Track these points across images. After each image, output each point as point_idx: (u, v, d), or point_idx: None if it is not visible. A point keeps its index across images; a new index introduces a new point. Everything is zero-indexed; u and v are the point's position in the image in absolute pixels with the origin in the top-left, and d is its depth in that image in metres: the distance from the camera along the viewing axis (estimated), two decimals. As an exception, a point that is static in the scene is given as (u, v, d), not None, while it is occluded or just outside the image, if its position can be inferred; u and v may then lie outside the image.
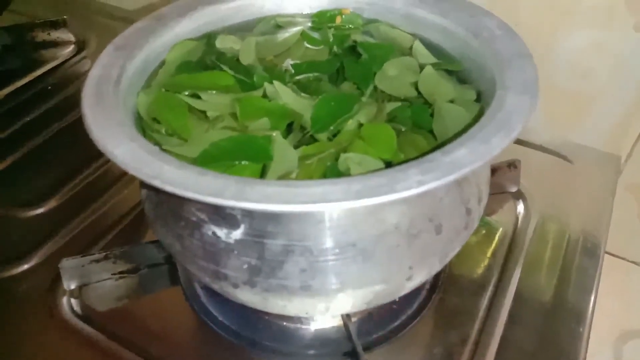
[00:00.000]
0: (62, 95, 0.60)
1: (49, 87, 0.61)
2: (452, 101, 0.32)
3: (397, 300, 0.40)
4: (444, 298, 0.40)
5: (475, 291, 0.41)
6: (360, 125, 0.30)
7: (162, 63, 0.35)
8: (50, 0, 0.72)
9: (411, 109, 0.32)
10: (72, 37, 0.66)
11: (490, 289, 0.41)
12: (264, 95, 0.32)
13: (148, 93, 0.32)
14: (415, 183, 0.22)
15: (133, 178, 0.50)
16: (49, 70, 0.62)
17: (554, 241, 0.45)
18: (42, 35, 0.65)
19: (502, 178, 0.46)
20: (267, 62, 0.36)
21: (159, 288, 0.41)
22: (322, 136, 0.30)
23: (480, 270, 0.43)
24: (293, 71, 0.35)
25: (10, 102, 0.58)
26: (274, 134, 0.29)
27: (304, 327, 0.38)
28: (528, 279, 0.41)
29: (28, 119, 0.57)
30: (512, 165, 0.46)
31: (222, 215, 0.26)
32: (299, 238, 0.26)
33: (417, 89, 0.33)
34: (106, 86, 0.29)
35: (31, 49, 0.65)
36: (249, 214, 0.25)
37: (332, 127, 0.30)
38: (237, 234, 0.26)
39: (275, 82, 0.32)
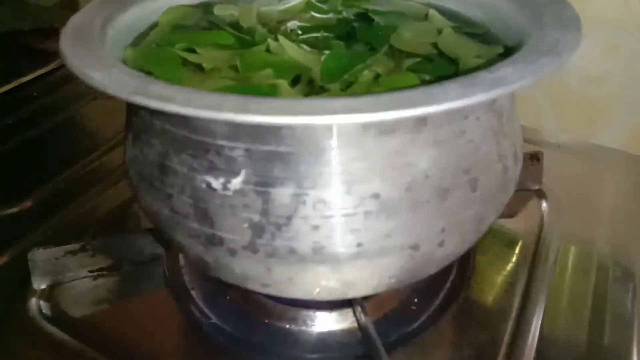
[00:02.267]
0: (44, 103, 0.57)
1: (34, 94, 0.58)
2: (478, 57, 0.28)
3: (415, 300, 0.35)
4: (461, 311, 0.35)
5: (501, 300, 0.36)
6: (378, 76, 0.26)
7: (154, 25, 0.32)
8: (41, 10, 0.70)
9: (433, 64, 0.28)
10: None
11: (517, 302, 0.36)
12: (267, 51, 0.29)
13: (137, 50, 0.29)
14: (458, 95, 0.18)
15: (114, 181, 0.46)
16: (35, 77, 0.59)
17: (582, 246, 0.41)
18: (32, 43, 0.63)
19: (523, 172, 0.42)
20: (270, 26, 0.33)
21: (144, 289, 0.36)
22: (334, 87, 0.26)
23: (504, 278, 0.38)
24: (299, 32, 0.32)
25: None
26: (280, 82, 0.25)
27: (309, 329, 0.33)
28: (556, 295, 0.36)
29: (8, 122, 0.53)
30: (535, 157, 0.42)
31: (218, 160, 0.22)
32: (311, 184, 0.21)
33: (436, 49, 0.30)
34: (89, 31, 0.26)
35: (17, 58, 0.62)
36: (250, 154, 0.21)
37: (345, 77, 0.26)
38: (236, 183, 0.22)
39: (280, 37, 0.29)
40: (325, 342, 0.33)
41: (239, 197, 0.22)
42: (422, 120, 0.21)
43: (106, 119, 0.55)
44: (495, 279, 0.38)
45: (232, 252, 0.23)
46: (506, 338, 0.33)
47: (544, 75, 0.20)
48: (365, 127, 0.20)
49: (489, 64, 0.25)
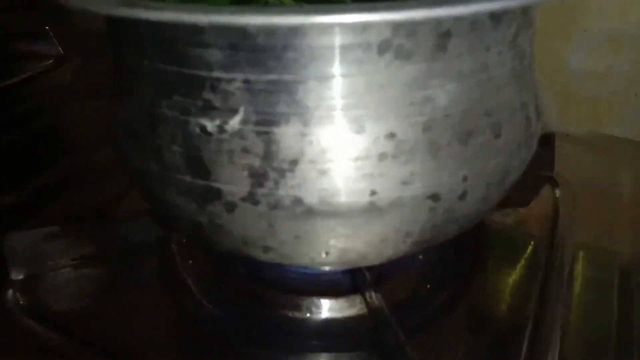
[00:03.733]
0: (34, 104, 0.55)
1: (24, 95, 0.56)
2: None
3: (428, 287, 0.33)
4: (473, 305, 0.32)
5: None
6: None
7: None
8: (33, 11, 0.69)
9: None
10: (53, 50, 0.61)
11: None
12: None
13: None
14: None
15: (99, 180, 0.43)
16: (24, 79, 0.58)
17: (600, 235, 0.38)
18: (21, 47, 0.61)
19: (534, 155, 0.40)
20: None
21: (134, 279, 0.33)
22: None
23: (520, 267, 0.36)
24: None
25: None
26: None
27: (314, 317, 0.30)
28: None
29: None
30: (545, 139, 0.40)
31: (214, 97, 0.19)
32: (318, 120, 0.19)
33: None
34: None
35: (9, 60, 0.61)
36: (250, 87, 0.19)
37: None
38: (234, 123, 0.19)
39: (280, -6, 0.27)
40: (331, 329, 0.30)
41: (237, 140, 0.19)
42: (442, 45, 0.18)
43: (95, 120, 0.53)
44: (511, 268, 0.36)
45: (230, 207, 0.20)
46: (529, 326, 0.30)
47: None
48: (380, 49, 0.18)
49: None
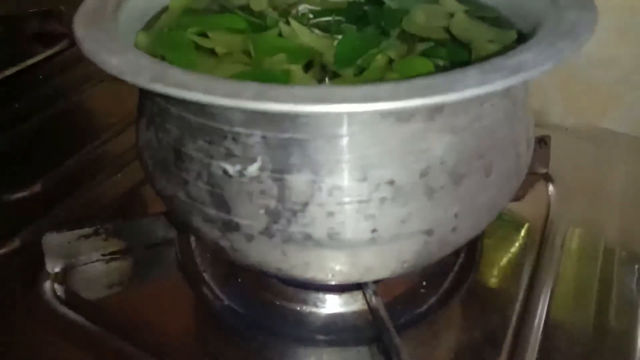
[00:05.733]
0: (51, 86, 0.57)
1: (40, 77, 0.58)
2: (491, 42, 0.28)
3: (424, 284, 0.36)
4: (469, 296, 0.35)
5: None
6: (391, 61, 0.26)
7: (164, 10, 0.32)
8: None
9: (446, 48, 0.28)
10: (67, 29, 0.62)
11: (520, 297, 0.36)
12: (279, 36, 0.29)
13: (149, 34, 0.29)
14: (477, 82, 0.18)
15: (123, 164, 0.46)
16: (40, 61, 0.59)
17: (589, 230, 0.41)
18: (35, 27, 0.62)
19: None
20: (281, 9, 0.32)
21: (156, 272, 0.36)
22: (347, 72, 0.26)
23: (511, 262, 0.39)
24: (311, 16, 0.31)
25: (-2, 91, 0.55)
26: (293, 67, 0.25)
27: (319, 311, 0.33)
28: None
29: (16, 106, 0.53)
30: (542, 141, 0.42)
31: (235, 147, 0.22)
32: (327, 171, 0.21)
33: (448, 34, 0.30)
34: (101, 15, 0.26)
35: (23, 40, 0.62)
36: (266, 141, 0.21)
37: (358, 62, 0.26)
38: (253, 169, 0.22)
39: (292, 21, 0.29)
40: (335, 323, 0.33)
41: (256, 184, 0.22)
42: (438, 108, 0.21)
43: (114, 102, 0.55)
44: (503, 263, 0.38)
45: (249, 238, 0.23)
46: (513, 321, 0.33)
47: (563, 59, 0.20)
48: (383, 115, 0.20)
49: (503, 49, 0.25)
